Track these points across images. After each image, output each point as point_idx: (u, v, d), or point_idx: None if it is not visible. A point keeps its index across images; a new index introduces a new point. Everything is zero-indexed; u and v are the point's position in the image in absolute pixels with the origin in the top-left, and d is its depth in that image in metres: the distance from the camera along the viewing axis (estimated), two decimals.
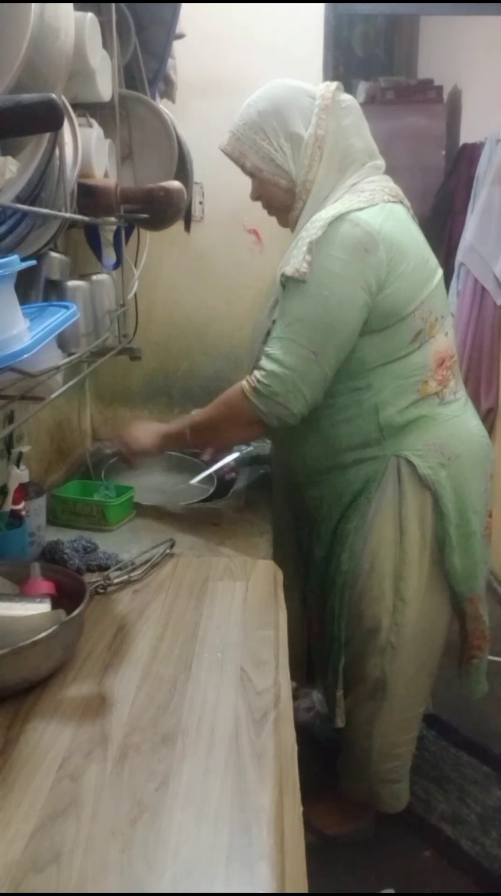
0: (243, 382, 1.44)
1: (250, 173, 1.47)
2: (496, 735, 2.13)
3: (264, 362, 1.40)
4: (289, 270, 1.36)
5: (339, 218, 1.34)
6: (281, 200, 1.47)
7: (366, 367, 1.42)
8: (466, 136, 3.75)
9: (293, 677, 1.06)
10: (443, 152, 3.96)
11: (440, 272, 1.49)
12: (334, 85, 1.43)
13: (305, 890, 0.71)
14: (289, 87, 1.44)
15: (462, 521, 1.48)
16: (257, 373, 1.42)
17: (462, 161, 3.48)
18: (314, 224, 1.36)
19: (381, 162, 1.49)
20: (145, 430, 1.65)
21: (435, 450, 1.46)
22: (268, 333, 1.45)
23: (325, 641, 1.66)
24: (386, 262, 1.36)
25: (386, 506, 1.47)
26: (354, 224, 1.35)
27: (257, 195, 1.51)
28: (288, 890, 0.67)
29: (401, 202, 1.47)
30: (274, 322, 1.43)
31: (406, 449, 1.46)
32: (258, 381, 1.41)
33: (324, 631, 1.67)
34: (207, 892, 0.65)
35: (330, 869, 1.69)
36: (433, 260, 1.49)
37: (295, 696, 1.52)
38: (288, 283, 1.38)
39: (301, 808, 0.80)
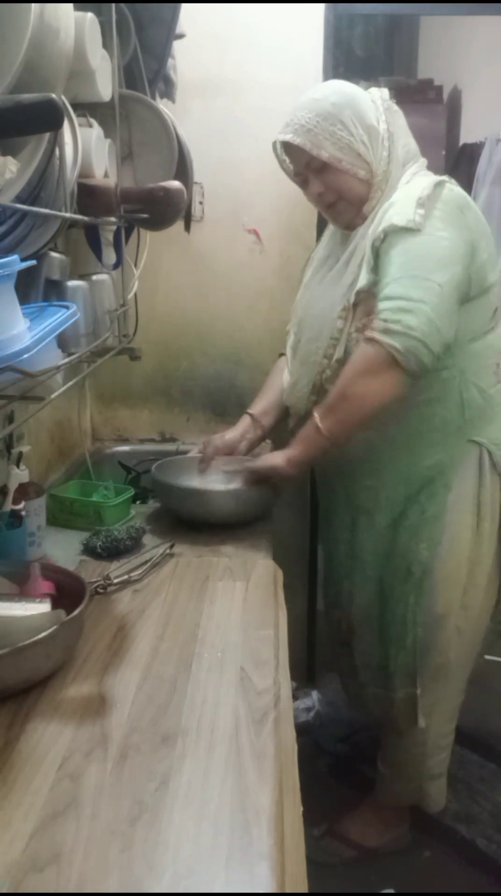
0: (367, 333, 1.33)
1: (325, 165, 1.42)
2: (496, 733, 2.13)
3: (386, 303, 1.31)
4: (400, 221, 1.33)
5: (439, 183, 1.39)
6: (357, 192, 1.45)
7: (453, 343, 1.38)
8: (466, 136, 3.75)
9: (293, 677, 1.06)
10: (443, 152, 3.94)
11: None
12: (386, 91, 1.47)
13: (305, 890, 0.71)
14: (351, 85, 1.47)
15: None
16: (381, 314, 1.31)
17: (462, 161, 3.47)
18: (415, 186, 1.38)
19: (425, 161, 1.53)
20: (274, 456, 1.48)
21: None
22: (346, 308, 1.43)
23: (385, 638, 1.60)
24: (476, 227, 1.40)
25: (466, 492, 1.48)
26: (450, 189, 1.40)
27: (323, 189, 1.46)
28: (288, 890, 0.67)
29: None
30: (358, 290, 1.39)
31: (488, 436, 1.47)
32: (386, 319, 1.29)
33: (362, 628, 1.64)
34: (207, 892, 0.65)
35: (330, 868, 1.69)
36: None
37: (295, 696, 1.52)
38: (395, 235, 1.35)
39: (301, 808, 0.80)
